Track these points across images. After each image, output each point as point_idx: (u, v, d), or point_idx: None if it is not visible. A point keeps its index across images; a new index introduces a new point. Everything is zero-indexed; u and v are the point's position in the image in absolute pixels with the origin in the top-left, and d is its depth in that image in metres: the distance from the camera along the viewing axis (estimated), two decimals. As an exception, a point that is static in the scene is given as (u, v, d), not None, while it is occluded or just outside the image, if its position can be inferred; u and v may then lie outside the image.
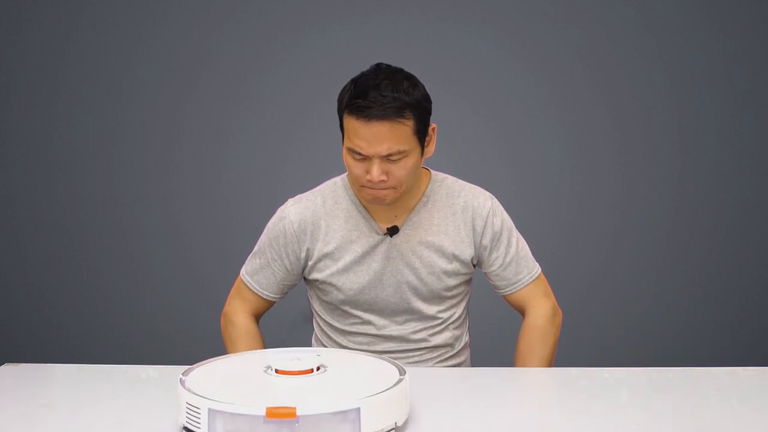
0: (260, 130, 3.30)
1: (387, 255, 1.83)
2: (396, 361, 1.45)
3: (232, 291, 1.94)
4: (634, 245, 3.30)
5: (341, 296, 1.85)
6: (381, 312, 1.87)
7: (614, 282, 3.30)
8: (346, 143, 1.71)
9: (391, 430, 1.29)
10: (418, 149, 1.72)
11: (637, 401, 1.53)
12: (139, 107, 3.31)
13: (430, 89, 1.74)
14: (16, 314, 3.38)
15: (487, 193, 1.90)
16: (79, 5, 3.28)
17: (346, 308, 1.87)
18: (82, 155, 3.33)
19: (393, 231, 1.83)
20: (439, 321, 1.89)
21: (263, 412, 1.21)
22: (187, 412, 1.28)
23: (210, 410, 1.24)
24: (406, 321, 1.88)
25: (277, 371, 1.37)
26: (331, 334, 1.92)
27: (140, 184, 3.33)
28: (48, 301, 3.38)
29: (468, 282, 1.93)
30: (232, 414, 1.22)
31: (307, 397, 1.29)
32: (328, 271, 1.84)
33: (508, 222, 1.90)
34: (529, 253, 1.92)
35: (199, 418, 1.25)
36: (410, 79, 1.71)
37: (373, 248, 1.83)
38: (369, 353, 1.59)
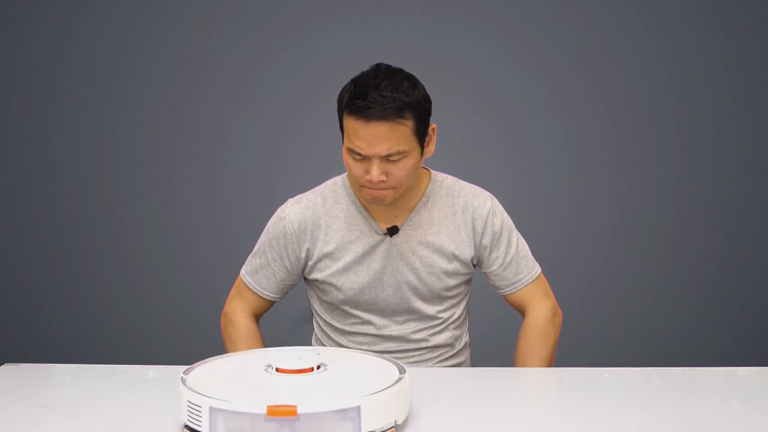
0: (260, 130, 3.30)
1: (387, 255, 1.83)
2: (396, 360, 1.45)
3: (232, 291, 1.94)
4: (634, 245, 3.30)
5: (341, 296, 1.85)
6: (381, 312, 1.87)
7: (614, 282, 3.30)
8: (346, 143, 1.71)
9: (391, 428, 1.30)
10: (417, 149, 1.72)
11: (637, 401, 1.53)
12: (139, 107, 3.31)
13: (430, 89, 1.74)
14: (16, 314, 3.38)
15: (487, 193, 1.90)
16: (79, 5, 3.28)
17: (346, 308, 1.87)
18: (82, 155, 3.33)
19: (393, 231, 1.83)
20: (439, 321, 1.89)
21: (264, 411, 1.22)
22: (188, 411, 1.28)
23: (211, 408, 1.25)
24: (406, 321, 1.88)
25: (277, 370, 1.38)
26: (331, 334, 1.92)
27: (140, 184, 3.33)
28: (48, 301, 3.38)
29: (468, 282, 1.93)
30: (234, 412, 1.23)
31: (308, 396, 1.29)
32: (328, 271, 1.84)
33: (508, 222, 1.90)
34: (529, 253, 1.92)
35: (200, 416, 1.26)
36: (410, 79, 1.71)
37: (373, 248, 1.83)
38: (369, 352, 1.59)
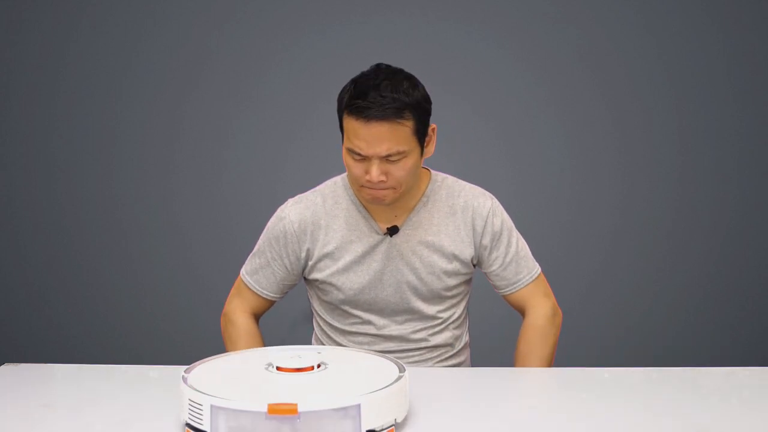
0: (260, 130, 3.30)
1: (387, 255, 1.83)
2: (395, 359, 1.46)
3: (232, 290, 1.94)
4: (634, 245, 3.30)
5: (341, 296, 1.85)
6: (381, 312, 1.87)
7: (614, 282, 3.30)
8: (346, 143, 1.71)
9: (391, 426, 1.30)
10: (417, 150, 1.72)
11: (637, 401, 1.53)
12: (139, 107, 3.31)
13: (430, 89, 1.74)
14: (16, 314, 3.38)
15: (487, 193, 1.90)
16: (79, 5, 3.28)
17: (346, 308, 1.87)
18: (82, 155, 3.33)
19: (393, 231, 1.83)
20: (439, 321, 1.89)
21: (265, 409, 1.22)
22: (189, 409, 1.29)
23: (212, 407, 1.25)
24: (406, 321, 1.88)
25: (278, 368, 1.38)
26: (331, 334, 1.92)
27: (140, 184, 3.33)
28: (48, 301, 3.38)
29: (468, 282, 1.93)
30: (235, 410, 1.24)
31: (308, 394, 1.30)
32: (328, 271, 1.84)
33: (508, 222, 1.90)
34: (529, 253, 1.92)
35: (201, 414, 1.26)
36: (410, 79, 1.71)
37: (373, 248, 1.83)
38: (369, 351, 1.59)
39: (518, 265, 1.88)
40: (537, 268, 1.91)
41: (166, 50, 3.28)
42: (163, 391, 1.52)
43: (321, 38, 3.25)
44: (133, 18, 3.28)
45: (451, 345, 1.93)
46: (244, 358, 1.53)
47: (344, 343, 1.90)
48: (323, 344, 1.94)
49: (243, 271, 1.92)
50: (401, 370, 1.38)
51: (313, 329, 2.00)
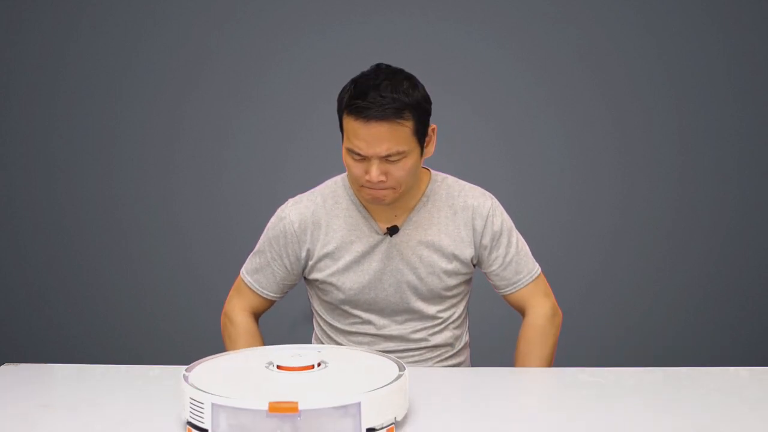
0: (260, 130, 3.30)
1: (387, 255, 1.83)
2: (395, 357, 1.46)
3: (232, 290, 1.94)
4: (634, 245, 3.30)
5: (341, 296, 1.85)
6: (381, 312, 1.87)
7: (614, 282, 3.30)
8: (346, 143, 1.71)
9: (391, 424, 1.30)
10: (417, 150, 1.72)
11: (637, 401, 1.53)
12: (139, 107, 3.31)
13: (430, 89, 1.74)
14: (16, 314, 3.38)
15: (487, 193, 1.90)
16: (79, 5, 3.28)
17: (346, 308, 1.87)
18: (82, 155, 3.33)
19: (393, 231, 1.83)
20: (439, 321, 1.89)
21: (266, 407, 1.23)
22: (190, 407, 1.29)
23: (214, 405, 1.26)
24: (406, 321, 1.88)
25: (278, 367, 1.39)
26: (331, 334, 1.92)
27: (140, 184, 3.33)
28: (48, 301, 3.38)
29: (468, 282, 1.93)
30: (235, 408, 1.25)
31: (309, 392, 1.30)
32: (328, 271, 1.84)
33: (508, 222, 1.90)
34: (529, 253, 1.92)
35: (202, 412, 1.27)
36: (410, 79, 1.71)
37: (373, 248, 1.83)
38: (369, 350, 1.59)
39: (518, 265, 1.88)
40: (537, 268, 1.91)
41: (166, 50, 3.28)
42: (164, 391, 1.52)
43: (321, 38, 3.25)
44: (133, 18, 3.28)
45: (451, 345, 1.93)
46: (244, 356, 1.54)
47: (344, 343, 1.90)
48: (323, 344, 1.94)
49: (243, 270, 1.92)
50: (401, 368, 1.39)
51: (313, 329, 2.00)
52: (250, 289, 1.90)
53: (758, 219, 3.28)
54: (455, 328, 1.92)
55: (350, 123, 1.67)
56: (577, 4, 3.23)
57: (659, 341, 3.30)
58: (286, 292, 1.93)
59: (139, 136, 3.32)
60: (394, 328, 1.88)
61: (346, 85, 1.72)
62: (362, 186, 1.73)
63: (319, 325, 1.95)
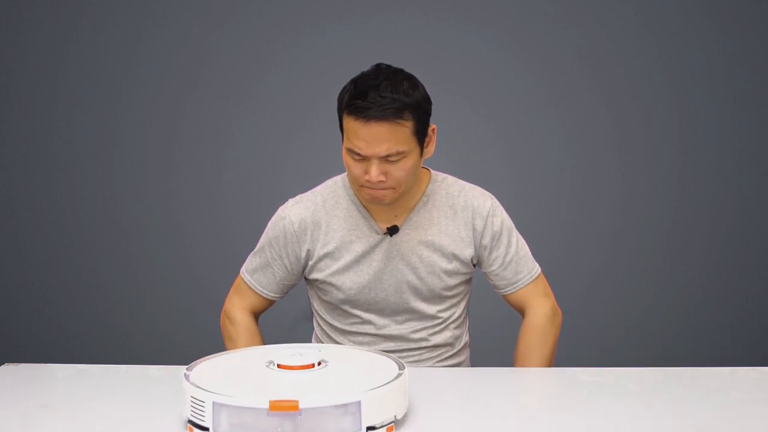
0: (260, 130, 3.30)
1: (387, 254, 1.83)
2: (395, 356, 1.46)
3: (232, 289, 1.94)
4: (634, 245, 3.30)
5: (341, 296, 1.85)
6: (381, 311, 1.87)
7: (614, 282, 3.30)
8: (346, 143, 1.71)
9: (391, 423, 1.31)
10: (417, 150, 1.72)
11: (637, 401, 1.53)
12: (139, 107, 3.31)
13: (430, 89, 1.74)
14: (16, 314, 3.38)
15: (487, 193, 1.90)
16: (79, 5, 3.28)
17: (346, 308, 1.87)
18: (82, 155, 3.33)
19: (393, 231, 1.83)
20: (439, 321, 1.89)
21: (267, 405, 1.23)
22: (191, 406, 1.30)
23: (215, 404, 1.27)
24: (406, 320, 1.88)
25: (279, 366, 1.39)
26: (331, 334, 1.92)
27: (140, 184, 3.33)
28: (48, 301, 3.38)
29: (468, 282, 1.93)
30: (237, 407, 1.25)
31: (309, 391, 1.31)
32: (328, 271, 1.84)
33: (508, 222, 1.90)
34: (529, 253, 1.92)
35: (204, 411, 1.27)
36: (410, 79, 1.71)
37: (373, 248, 1.83)
38: (369, 349, 1.59)
39: (518, 265, 1.88)
40: (537, 268, 1.91)
41: (166, 50, 3.28)
42: (164, 390, 1.52)
43: (321, 38, 3.25)
44: (133, 18, 3.28)
45: (451, 345, 1.93)
46: (245, 355, 1.54)
47: (344, 343, 1.90)
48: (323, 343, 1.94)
49: (243, 269, 1.92)
50: (401, 367, 1.39)
51: (313, 329, 2.00)
52: (250, 288, 1.90)
53: (758, 219, 3.28)
54: (455, 328, 1.92)
55: (350, 123, 1.67)
56: (577, 4, 3.23)
57: (659, 341, 3.30)
58: (286, 292, 1.93)
59: (139, 136, 3.32)
60: (394, 328, 1.88)
61: (346, 85, 1.72)
62: (362, 186, 1.73)
63: (319, 324, 1.95)
